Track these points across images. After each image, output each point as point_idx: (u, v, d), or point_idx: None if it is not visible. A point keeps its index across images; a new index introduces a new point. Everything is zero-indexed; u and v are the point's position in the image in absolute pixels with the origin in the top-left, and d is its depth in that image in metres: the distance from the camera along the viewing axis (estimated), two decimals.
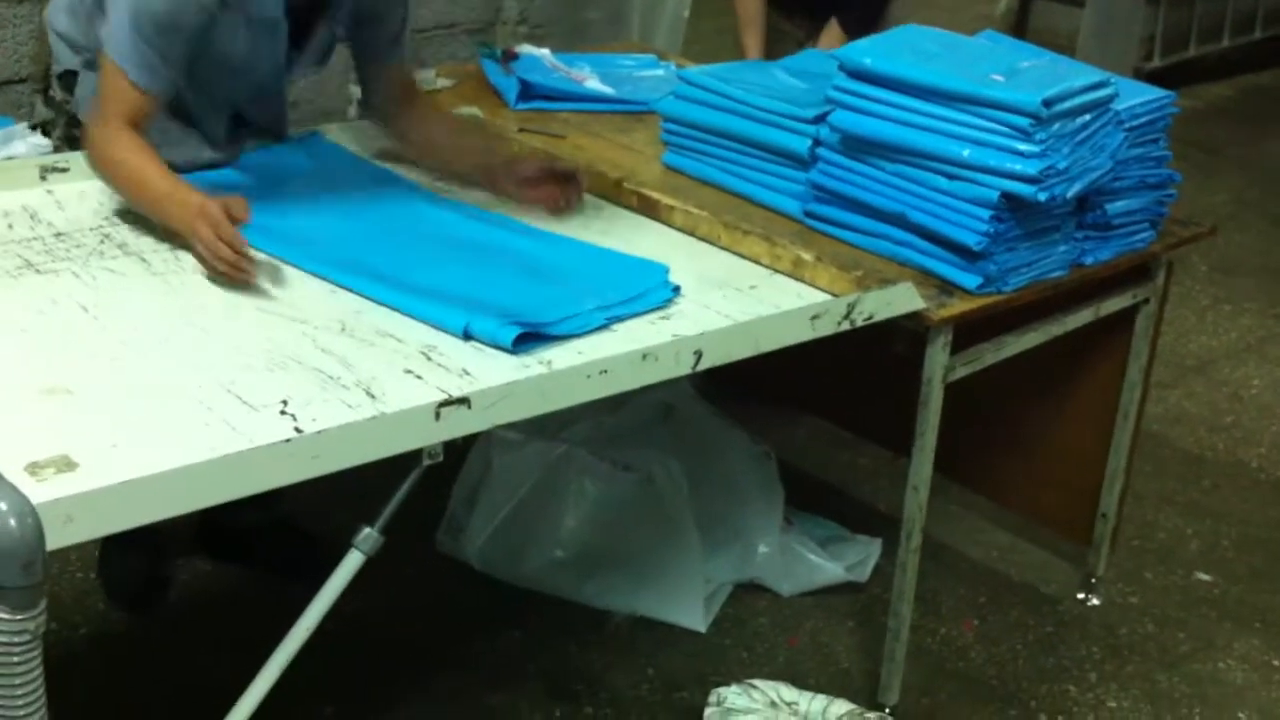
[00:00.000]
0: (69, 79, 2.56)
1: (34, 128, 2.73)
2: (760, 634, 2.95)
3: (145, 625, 2.84)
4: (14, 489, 1.45)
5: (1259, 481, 3.73)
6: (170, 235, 2.27)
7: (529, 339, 2.00)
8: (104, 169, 2.35)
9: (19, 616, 1.44)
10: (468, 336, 2.02)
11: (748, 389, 3.34)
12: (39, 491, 1.49)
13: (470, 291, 2.17)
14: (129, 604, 2.86)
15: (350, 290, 2.18)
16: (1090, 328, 2.76)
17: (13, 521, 1.41)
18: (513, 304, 2.10)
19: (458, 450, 1.86)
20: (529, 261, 2.36)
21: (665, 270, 2.30)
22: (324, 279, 2.21)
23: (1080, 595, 3.15)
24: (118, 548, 2.82)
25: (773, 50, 3.68)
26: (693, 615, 2.93)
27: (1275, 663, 3.00)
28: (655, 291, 2.23)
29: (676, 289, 2.27)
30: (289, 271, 2.23)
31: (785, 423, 3.72)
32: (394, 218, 2.52)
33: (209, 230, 2.12)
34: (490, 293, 2.17)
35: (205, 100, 2.50)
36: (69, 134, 2.63)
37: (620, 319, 2.14)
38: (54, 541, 1.46)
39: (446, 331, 2.04)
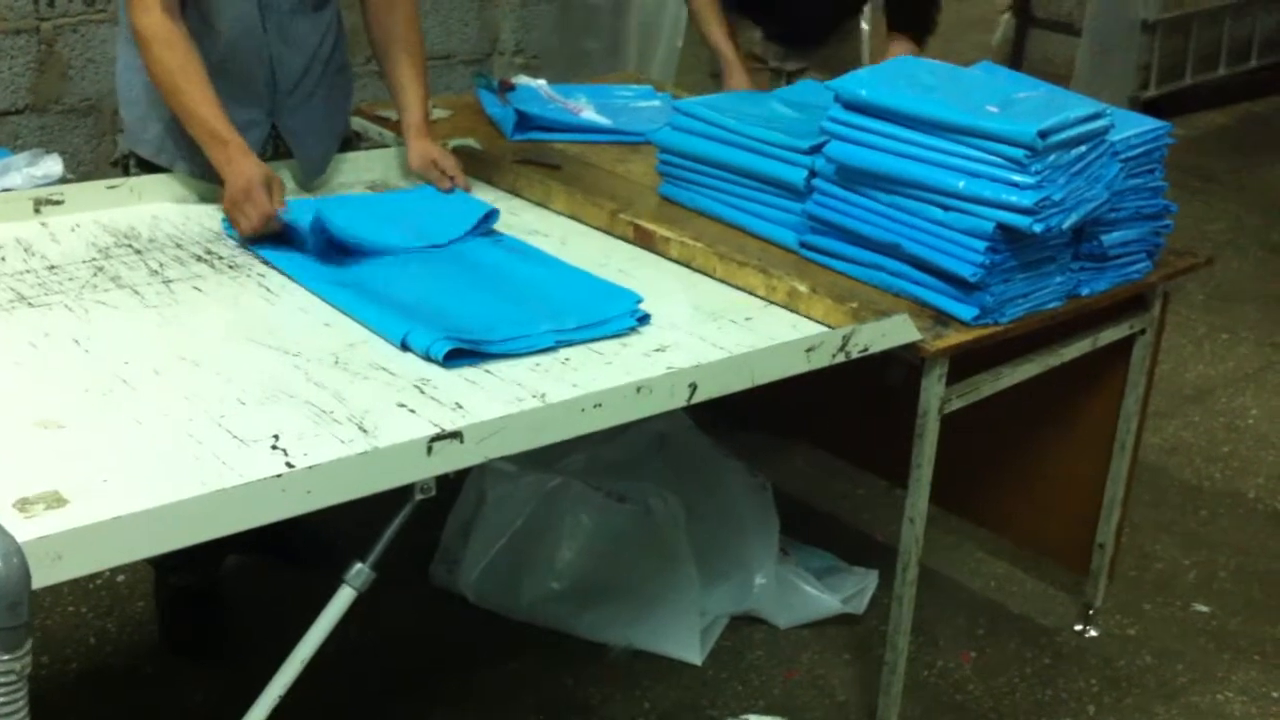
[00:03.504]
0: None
1: (114, 164, 2.78)
2: (756, 666, 2.93)
3: (138, 660, 2.82)
4: (0, 529, 1.44)
5: (1256, 512, 3.72)
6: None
7: (464, 355, 2.04)
8: (158, 80, 2.45)
9: (4, 657, 1.43)
10: (405, 347, 2.07)
11: (744, 419, 3.33)
12: (28, 528, 1.48)
13: (425, 303, 2.23)
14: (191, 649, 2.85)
15: (301, 285, 2.28)
16: (1087, 358, 2.76)
17: None
18: (461, 319, 2.14)
19: (451, 481, 1.85)
20: (500, 277, 2.41)
21: (635, 299, 2.30)
22: (286, 274, 2.32)
23: (1078, 627, 3.14)
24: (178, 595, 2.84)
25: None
26: (689, 648, 2.91)
27: (1274, 694, 2.98)
28: (617, 320, 2.24)
29: (645, 317, 2.27)
30: (282, 303, 2.23)
31: (781, 452, 3.71)
32: (388, 225, 2.57)
33: (249, 210, 2.39)
34: (445, 305, 2.22)
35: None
36: (141, 161, 2.68)
37: (572, 343, 2.15)
38: (42, 579, 1.45)
39: (386, 340, 2.09)
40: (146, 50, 2.44)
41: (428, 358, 2.04)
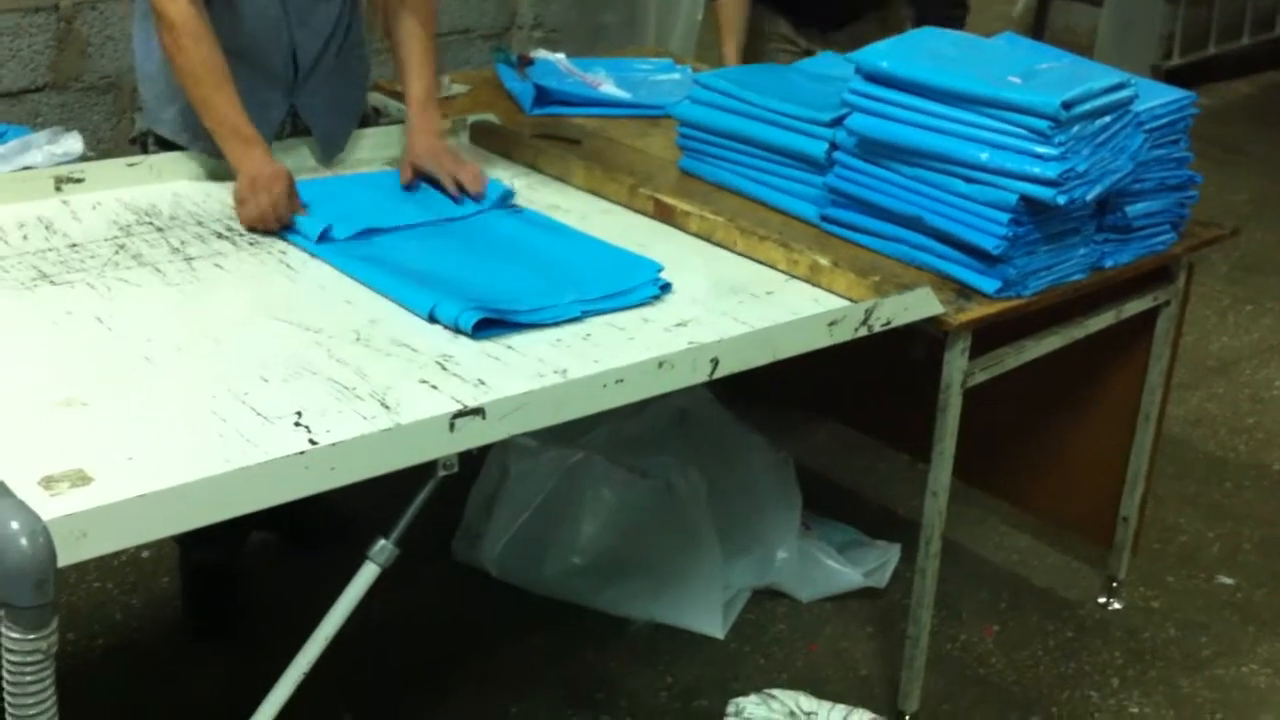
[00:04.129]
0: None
1: (132, 141, 2.78)
2: (779, 640, 2.93)
3: (163, 636, 2.84)
4: (25, 507, 1.44)
5: None
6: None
7: (493, 325, 2.04)
8: (180, 70, 2.43)
9: (31, 636, 1.43)
10: (433, 320, 2.07)
11: (766, 393, 3.32)
12: (53, 506, 1.48)
13: (448, 276, 2.22)
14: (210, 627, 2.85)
15: (324, 260, 2.28)
16: (1110, 330, 2.74)
17: (24, 541, 1.40)
18: (486, 291, 2.15)
19: (474, 457, 1.85)
20: (520, 250, 2.41)
21: (657, 268, 2.30)
22: (308, 251, 2.32)
23: (1101, 599, 3.13)
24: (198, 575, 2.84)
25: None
26: (711, 622, 2.91)
27: None
28: (640, 289, 2.24)
29: (666, 286, 2.27)
30: (303, 279, 2.23)
31: (803, 427, 3.71)
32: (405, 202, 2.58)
33: (266, 204, 2.35)
34: (469, 278, 2.22)
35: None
36: (161, 140, 2.67)
37: (599, 313, 2.16)
38: (67, 557, 1.45)
39: (414, 313, 2.09)
40: (171, 38, 2.41)
41: (456, 328, 2.04)
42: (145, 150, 2.69)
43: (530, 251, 2.40)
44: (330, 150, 2.75)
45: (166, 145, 2.64)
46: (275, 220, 2.38)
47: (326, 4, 2.63)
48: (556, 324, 2.10)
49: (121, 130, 3.99)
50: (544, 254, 2.39)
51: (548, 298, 2.15)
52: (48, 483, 1.54)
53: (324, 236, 2.34)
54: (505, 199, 2.61)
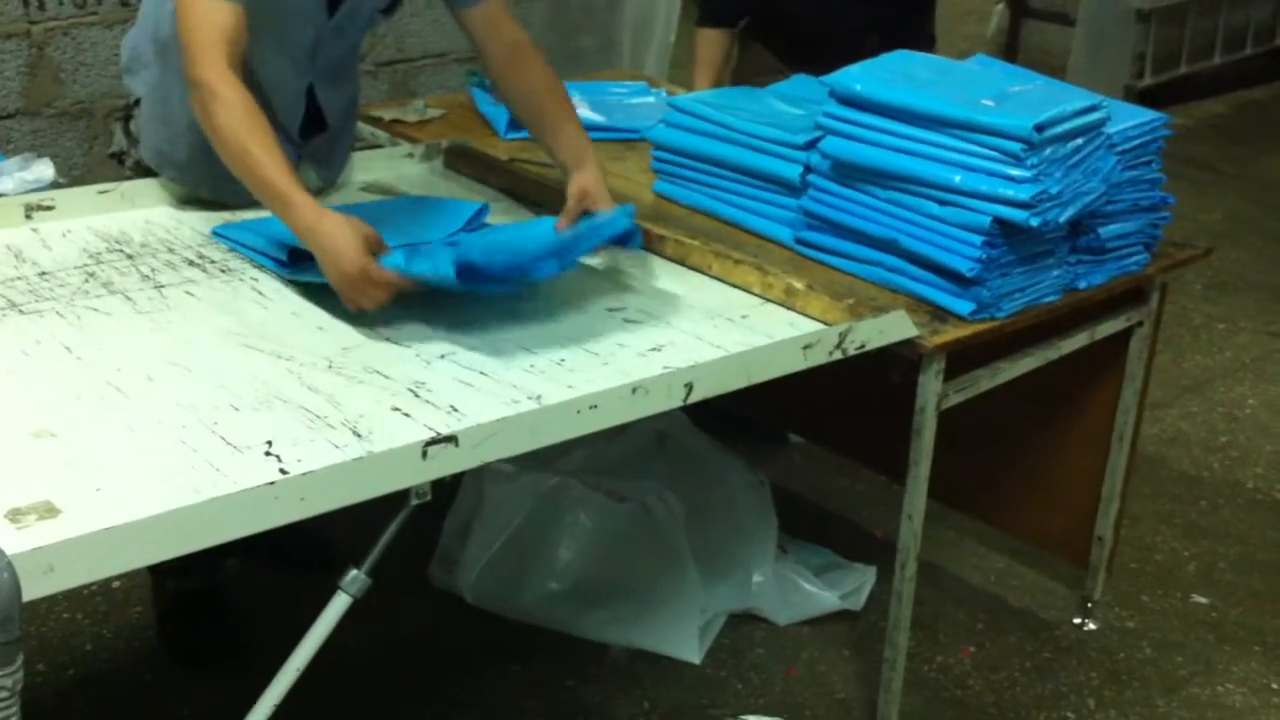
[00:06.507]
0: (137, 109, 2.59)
1: (111, 156, 2.73)
2: (757, 665, 2.92)
3: (135, 667, 2.81)
4: None
5: (1256, 502, 3.72)
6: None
7: (473, 276, 2.10)
8: (222, 149, 2.22)
9: None
10: (461, 274, 2.09)
11: (742, 415, 3.32)
12: (20, 540, 1.46)
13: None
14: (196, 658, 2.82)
15: (297, 280, 2.28)
16: (1085, 351, 2.74)
17: None
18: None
19: (449, 481, 1.83)
20: (500, 241, 2.47)
21: (629, 209, 2.44)
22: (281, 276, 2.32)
23: (1077, 620, 3.13)
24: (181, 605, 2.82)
25: None
26: (688, 647, 2.90)
27: (1275, 686, 2.98)
28: (617, 222, 2.38)
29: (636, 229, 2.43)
30: (275, 307, 2.22)
31: (780, 449, 3.71)
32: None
33: (363, 293, 2.12)
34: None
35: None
36: (140, 164, 2.62)
37: (586, 252, 2.37)
38: (34, 591, 1.44)
39: (441, 281, 2.11)
40: (212, 108, 2.20)
41: (439, 278, 2.08)
42: (121, 163, 2.65)
43: (509, 238, 2.46)
44: (325, 184, 2.74)
45: (145, 171, 2.61)
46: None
47: (348, 80, 2.64)
48: (542, 279, 2.22)
49: (94, 155, 3.97)
50: (521, 236, 2.46)
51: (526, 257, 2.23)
52: (14, 515, 1.53)
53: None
54: (481, 214, 2.59)
